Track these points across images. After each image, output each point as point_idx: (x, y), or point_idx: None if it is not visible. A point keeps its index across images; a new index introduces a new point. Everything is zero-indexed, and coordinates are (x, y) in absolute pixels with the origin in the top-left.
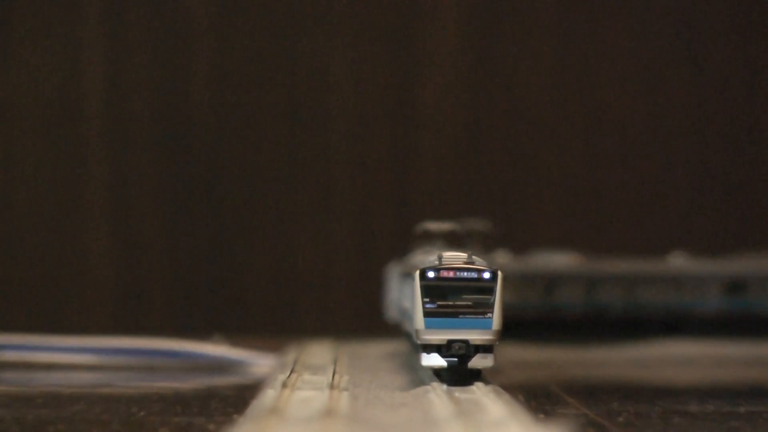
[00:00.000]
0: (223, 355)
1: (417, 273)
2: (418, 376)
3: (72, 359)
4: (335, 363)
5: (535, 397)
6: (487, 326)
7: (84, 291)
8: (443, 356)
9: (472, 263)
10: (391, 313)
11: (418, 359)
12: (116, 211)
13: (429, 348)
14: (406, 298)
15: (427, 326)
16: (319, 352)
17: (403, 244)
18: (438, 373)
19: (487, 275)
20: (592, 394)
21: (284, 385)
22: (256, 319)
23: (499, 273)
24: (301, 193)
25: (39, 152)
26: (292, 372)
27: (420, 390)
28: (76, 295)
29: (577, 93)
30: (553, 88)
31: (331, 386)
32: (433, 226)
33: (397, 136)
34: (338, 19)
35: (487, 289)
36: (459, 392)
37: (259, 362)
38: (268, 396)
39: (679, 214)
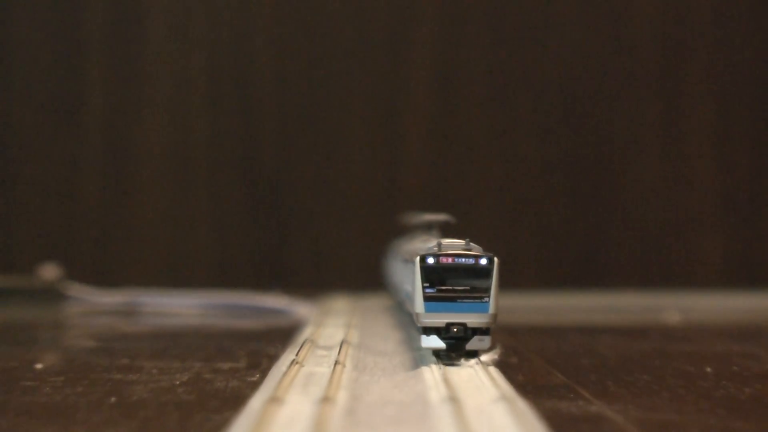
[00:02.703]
0: (279, 304)
1: (417, 259)
2: (403, 321)
3: (184, 308)
4: (351, 310)
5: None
6: (484, 310)
7: (193, 261)
8: (442, 338)
9: (470, 250)
10: (388, 281)
11: (419, 340)
12: (214, 212)
13: (429, 330)
14: (406, 281)
15: (427, 310)
16: (340, 303)
17: (393, 229)
18: (437, 354)
19: (484, 261)
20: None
21: (317, 325)
22: (300, 279)
23: (496, 259)
24: (328, 192)
25: (162, 170)
26: (322, 316)
27: (404, 328)
28: (187, 263)
29: (498, 143)
30: (483, 147)
31: (348, 325)
32: (431, 216)
33: (387, 160)
34: (350, 84)
35: (484, 274)
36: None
37: (301, 309)
38: (307, 332)
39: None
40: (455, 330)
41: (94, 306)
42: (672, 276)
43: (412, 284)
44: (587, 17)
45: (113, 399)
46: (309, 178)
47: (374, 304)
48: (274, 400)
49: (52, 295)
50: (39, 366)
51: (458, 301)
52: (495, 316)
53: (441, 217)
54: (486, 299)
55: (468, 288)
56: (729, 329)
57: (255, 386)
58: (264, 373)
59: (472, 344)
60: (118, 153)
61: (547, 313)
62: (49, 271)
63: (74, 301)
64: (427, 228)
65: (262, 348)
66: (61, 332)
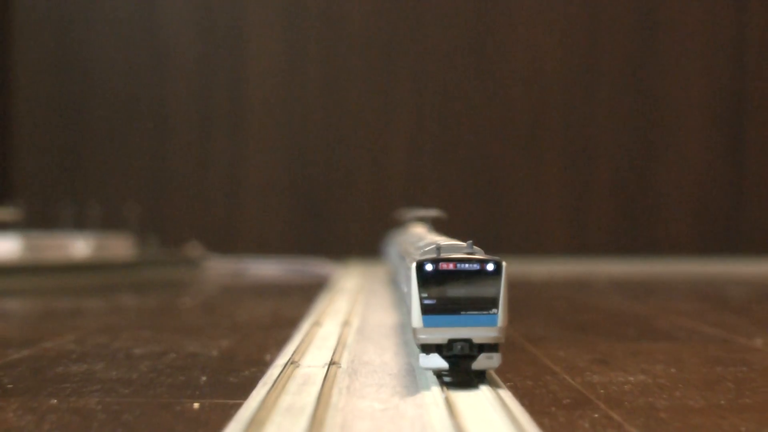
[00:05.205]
0: (320, 266)
1: (414, 266)
2: (394, 280)
3: (268, 269)
4: (363, 271)
5: None
6: (492, 323)
7: (273, 240)
8: (444, 357)
9: (473, 254)
10: (385, 257)
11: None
12: (286, 213)
13: (428, 348)
14: (402, 279)
15: (426, 324)
16: (356, 266)
17: (389, 222)
18: (438, 374)
19: (490, 267)
20: None
21: (343, 279)
22: (332, 251)
23: (504, 264)
24: (349, 200)
25: (257, 189)
26: (346, 274)
27: (395, 285)
28: (270, 241)
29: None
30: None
31: (362, 279)
32: (423, 212)
33: (381, 183)
34: (358, 140)
35: (491, 282)
36: None
37: (331, 270)
38: (335, 284)
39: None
40: (459, 347)
41: (218, 268)
42: (536, 249)
43: (408, 289)
44: (488, 103)
45: (227, 322)
46: (338, 192)
47: (377, 269)
48: (316, 323)
49: (194, 261)
50: (184, 304)
51: (462, 313)
52: (504, 329)
53: (432, 212)
54: (494, 311)
55: (473, 298)
56: (571, 281)
57: (305, 315)
58: (311, 307)
59: (480, 363)
60: (233, 178)
61: None
62: (193, 247)
63: (207, 265)
64: (419, 221)
65: (310, 292)
66: (198, 285)
